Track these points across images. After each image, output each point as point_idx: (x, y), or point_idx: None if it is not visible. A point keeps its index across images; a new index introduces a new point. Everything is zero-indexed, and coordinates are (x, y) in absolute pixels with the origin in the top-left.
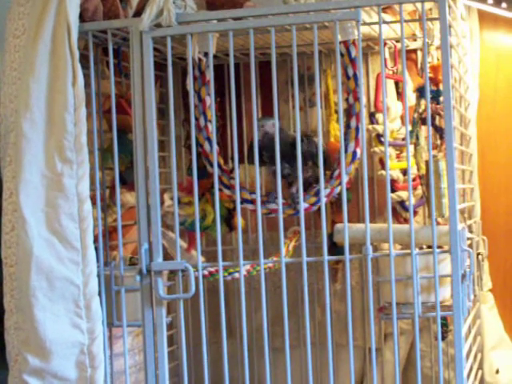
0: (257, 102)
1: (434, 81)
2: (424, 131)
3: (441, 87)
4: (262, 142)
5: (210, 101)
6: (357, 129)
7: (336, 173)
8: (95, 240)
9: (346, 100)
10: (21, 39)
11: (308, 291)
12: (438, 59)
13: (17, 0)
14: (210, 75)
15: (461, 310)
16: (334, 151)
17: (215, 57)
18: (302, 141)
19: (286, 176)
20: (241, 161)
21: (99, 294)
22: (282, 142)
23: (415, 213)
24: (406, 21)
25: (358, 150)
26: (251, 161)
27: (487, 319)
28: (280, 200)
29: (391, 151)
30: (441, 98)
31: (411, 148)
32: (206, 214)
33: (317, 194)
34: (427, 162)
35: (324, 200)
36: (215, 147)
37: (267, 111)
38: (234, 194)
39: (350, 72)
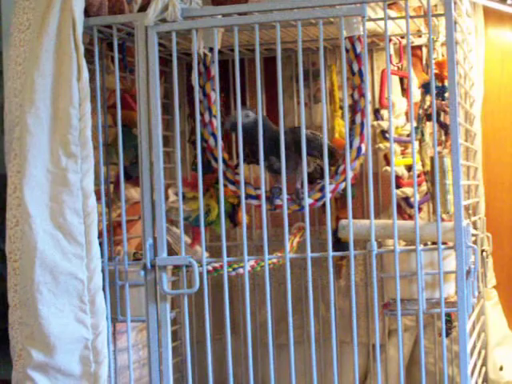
0: (261, 98)
1: (439, 77)
2: (429, 127)
3: (446, 83)
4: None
5: (215, 96)
6: (362, 125)
7: (341, 168)
8: (99, 235)
9: (351, 96)
10: (26, 34)
11: (312, 287)
12: (443, 55)
13: None
14: (214, 70)
15: (465, 307)
16: (339, 147)
17: (220, 52)
18: (286, 133)
19: (277, 170)
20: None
21: (103, 289)
22: (264, 134)
23: (420, 209)
24: (411, 17)
25: (363, 146)
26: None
27: (491, 316)
28: (285, 196)
29: (396, 147)
30: (446, 95)
31: (416, 144)
32: (210, 210)
33: (321, 189)
34: (432, 159)
35: (329, 196)
36: (220, 142)
37: (272, 107)
38: (239, 189)
39: (355, 68)
